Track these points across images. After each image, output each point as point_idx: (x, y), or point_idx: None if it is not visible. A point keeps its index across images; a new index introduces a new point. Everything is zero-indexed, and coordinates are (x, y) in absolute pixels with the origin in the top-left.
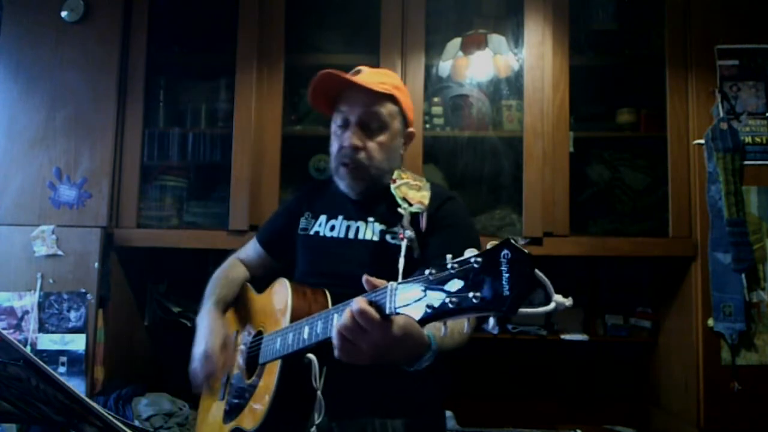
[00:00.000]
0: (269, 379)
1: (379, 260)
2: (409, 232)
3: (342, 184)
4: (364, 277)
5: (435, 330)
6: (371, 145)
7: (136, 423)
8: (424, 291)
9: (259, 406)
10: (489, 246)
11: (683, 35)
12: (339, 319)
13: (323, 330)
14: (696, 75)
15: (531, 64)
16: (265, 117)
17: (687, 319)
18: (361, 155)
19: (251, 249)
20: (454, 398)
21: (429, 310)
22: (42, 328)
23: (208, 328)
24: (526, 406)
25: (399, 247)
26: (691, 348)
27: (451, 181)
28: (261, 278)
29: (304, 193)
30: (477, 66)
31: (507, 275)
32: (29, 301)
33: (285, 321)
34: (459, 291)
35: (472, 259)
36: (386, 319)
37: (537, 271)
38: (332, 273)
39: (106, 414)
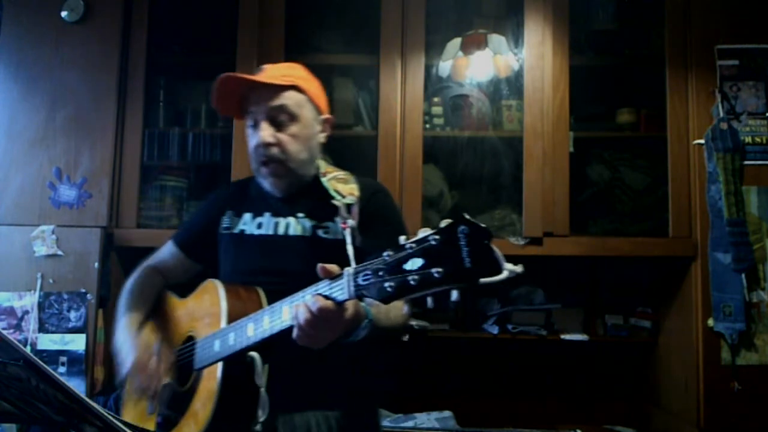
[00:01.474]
0: (209, 382)
1: (312, 255)
2: (352, 221)
3: (266, 184)
4: (319, 266)
5: (375, 304)
6: (284, 138)
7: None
8: (383, 272)
9: (201, 411)
10: (444, 224)
11: (683, 35)
12: (291, 311)
13: (271, 325)
14: (696, 75)
15: (531, 64)
16: None
17: (687, 319)
18: (274, 150)
19: (167, 253)
20: (454, 398)
21: (390, 290)
22: (42, 328)
23: (130, 344)
24: (526, 406)
25: (332, 241)
26: (691, 348)
27: (451, 181)
28: (180, 283)
29: (224, 193)
30: (477, 66)
31: (467, 249)
32: (29, 301)
33: (221, 323)
34: (420, 268)
35: (430, 237)
36: (341, 307)
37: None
38: (263, 270)
39: (106, 414)
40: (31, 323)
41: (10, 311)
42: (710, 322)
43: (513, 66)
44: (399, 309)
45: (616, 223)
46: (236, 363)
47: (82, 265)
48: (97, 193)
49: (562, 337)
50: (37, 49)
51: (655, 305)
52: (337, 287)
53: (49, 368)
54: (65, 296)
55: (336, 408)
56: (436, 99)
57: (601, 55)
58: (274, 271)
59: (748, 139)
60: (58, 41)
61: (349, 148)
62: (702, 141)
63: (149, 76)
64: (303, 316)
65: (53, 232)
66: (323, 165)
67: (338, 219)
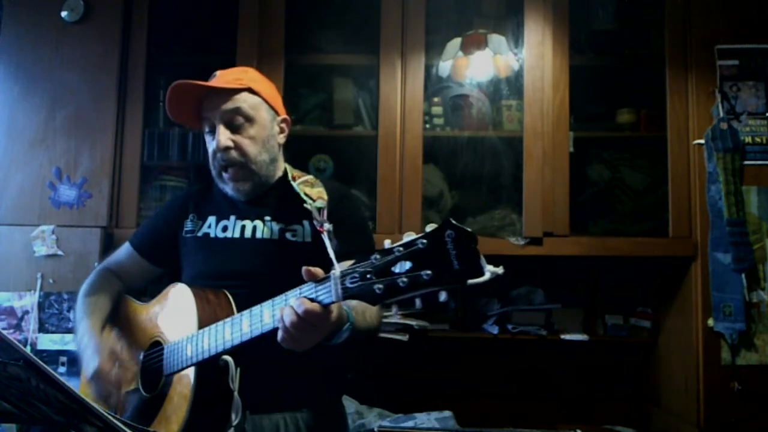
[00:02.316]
0: (182, 387)
1: (280, 259)
2: (328, 225)
3: (228, 189)
4: (304, 268)
5: (353, 307)
6: (242, 140)
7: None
8: (371, 275)
9: (173, 416)
10: (429, 228)
11: (683, 35)
12: (273, 314)
13: (251, 328)
14: (696, 75)
15: (531, 64)
16: None
17: (687, 319)
18: (233, 154)
19: (124, 256)
20: (454, 398)
21: (380, 292)
22: (42, 328)
23: (92, 348)
24: (526, 406)
25: (299, 244)
26: (691, 348)
27: (451, 181)
28: (138, 287)
29: (186, 195)
30: (477, 66)
31: (454, 252)
32: (29, 301)
33: (191, 327)
34: (409, 271)
35: (418, 241)
36: (327, 309)
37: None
38: (229, 274)
39: (106, 414)
40: (31, 323)
41: (10, 311)
42: (710, 322)
43: (513, 66)
44: (374, 310)
45: (616, 223)
46: (209, 367)
47: (82, 265)
48: (97, 193)
49: (562, 337)
50: (37, 49)
51: (655, 305)
52: (323, 290)
53: (49, 368)
54: (65, 296)
55: (304, 408)
56: (436, 99)
57: (601, 55)
58: (241, 274)
59: (748, 139)
60: (58, 41)
61: (349, 148)
62: (702, 141)
63: (149, 76)
64: (289, 318)
65: (53, 232)
66: (290, 169)
67: (306, 222)
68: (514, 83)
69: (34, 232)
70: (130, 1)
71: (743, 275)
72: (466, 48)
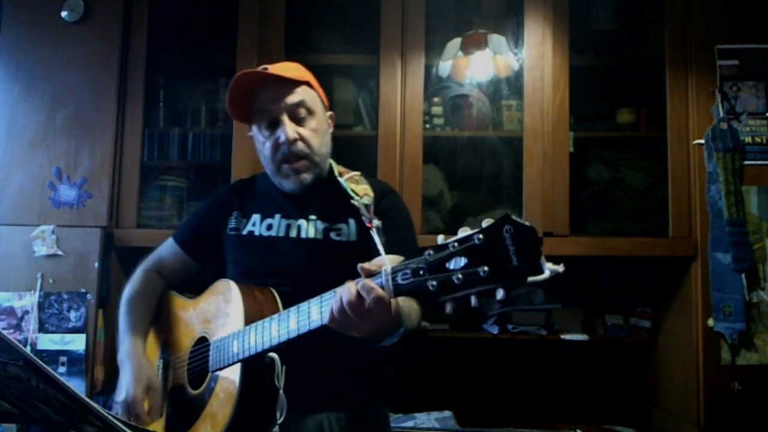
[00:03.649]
0: (227, 384)
1: (324, 259)
2: (377, 221)
3: (289, 182)
4: (359, 265)
5: (406, 311)
6: (306, 133)
7: None
8: (424, 271)
9: (219, 413)
10: (485, 224)
11: (683, 35)
12: (321, 309)
13: (299, 325)
14: (696, 75)
15: (531, 64)
16: None
17: (687, 319)
18: (299, 146)
19: (167, 252)
20: (454, 398)
21: (433, 289)
22: (42, 328)
23: (131, 374)
24: (526, 406)
25: (344, 244)
26: (691, 348)
27: (451, 181)
28: (177, 283)
29: (230, 192)
30: (477, 66)
31: (513, 248)
32: (29, 301)
33: (237, 323)
34: (464, 267)
35: (474, 237)
36: (385, 300)
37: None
38: (273, 272)
39: (106, 414)
40: (31, 323)
41: (10, 311)
42: (710, 322)
43: (513, 66)
44: (417, 312)
45: (616, 223)
46: (255, 364)
47: (82, 265)
48: (97, 193)
49: (562, 337)
50: (37, 49)
51: (655, 305)
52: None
53: (49, 368)
54: (65, 296)
55: (348, 409)
56: (436, 99)
57: (601, 55)
58: (285, 273)
59: (748, 139)
60: (58, 41)
61: (349, 148)
62: (702, 141)
63: (149, 76)
64: (347, 295)
65: (53, 232)
66: (335, 165)
67: (352, 221)
68: (514, 83)
69: (34, 232)
70: (130, 1)
71: (743, 275)
72: (466, 48)
